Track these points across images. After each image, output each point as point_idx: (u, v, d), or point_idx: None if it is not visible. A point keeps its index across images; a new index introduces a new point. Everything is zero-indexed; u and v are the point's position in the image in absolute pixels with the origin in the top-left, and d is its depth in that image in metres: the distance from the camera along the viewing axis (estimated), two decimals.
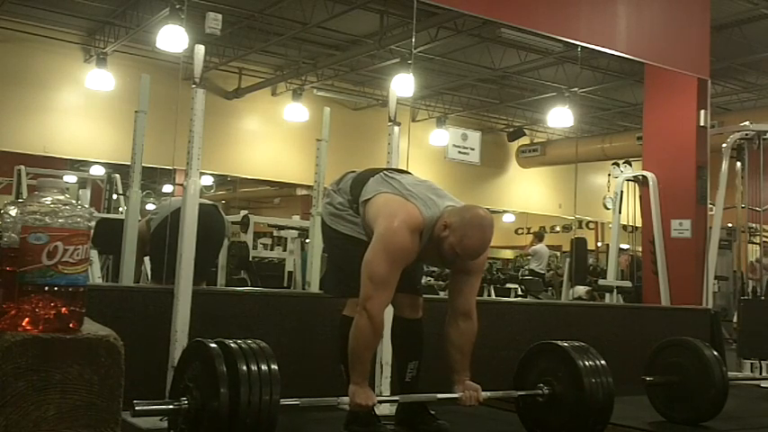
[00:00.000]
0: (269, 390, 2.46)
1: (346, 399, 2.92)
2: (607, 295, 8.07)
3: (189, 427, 2.47)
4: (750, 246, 8.26)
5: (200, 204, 3.57)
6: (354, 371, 2.93)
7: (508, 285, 11.09)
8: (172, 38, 8.31)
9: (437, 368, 3.17)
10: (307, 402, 2.84)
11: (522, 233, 18.61)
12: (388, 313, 3.49)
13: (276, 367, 2.52)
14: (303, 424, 3.50)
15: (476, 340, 3.17)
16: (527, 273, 11.90)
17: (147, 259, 5.25)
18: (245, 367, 2.45)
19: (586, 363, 3.21)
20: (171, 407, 2.49)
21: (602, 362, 3.26)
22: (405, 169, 3.50)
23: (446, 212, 2.98)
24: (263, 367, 2.49)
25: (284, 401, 2.58)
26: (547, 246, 13.29)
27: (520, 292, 10.94)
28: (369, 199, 3.10)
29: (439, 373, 3.17)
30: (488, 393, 3.14)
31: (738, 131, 6.70)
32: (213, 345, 2.53)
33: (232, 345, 2.53)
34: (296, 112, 12.64)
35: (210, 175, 13.50)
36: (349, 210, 3.18)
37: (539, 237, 13.18)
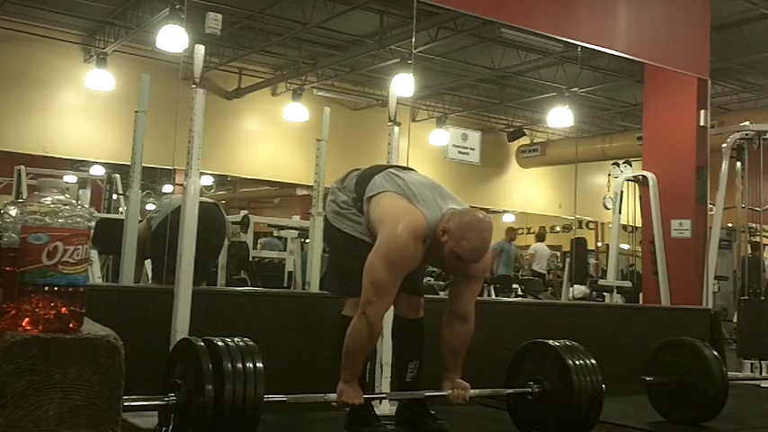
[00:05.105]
0: (253, 386, 2.51)
1: (333, 395, 2.93)
2: (607, 295, 8.06)
3: (177, 422, 2.52)
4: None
5: (200, 202, 3.56)
6: (346, 369, 2.94)
7: None
8: (172, 38, 8.32)
9: (438, 368, 3.17)
10: (293, 399, 2.89)
11: (523, 233, 18.59)
12: (388, 314, 3.49)
13: (261, 364, 2.57)
14: (304, 423, 3.51)
15: (476, 340, 3.17)
16: (527, 273, 11.89)
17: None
18: (229, 364, 2.51)
19: (576, 361, 3.22)
20: (159, 402, 2.53)
21: (592, 360, 3.26)
22: (409, 167, 3.46)
23: (446, 217, 2.96)
24: (248, 364, 2.54)
25: (269, 398, 2.62)
26: (547, 246, 13.26)
27: (520, 292, 10.93)
28: (373, 196, 3.07)
29: (440, 372, 3.17)
30: (477, 391, 3.15)
31: (738, 131, 6.70)
32: (200, 343, 2.59)
33: (219, 343, 2.58)
34: (296, 112, 12.64)
35: (210, 175, 13.51)
36: (353, 209, 3.16)
37: (539, 237, 13.18)
